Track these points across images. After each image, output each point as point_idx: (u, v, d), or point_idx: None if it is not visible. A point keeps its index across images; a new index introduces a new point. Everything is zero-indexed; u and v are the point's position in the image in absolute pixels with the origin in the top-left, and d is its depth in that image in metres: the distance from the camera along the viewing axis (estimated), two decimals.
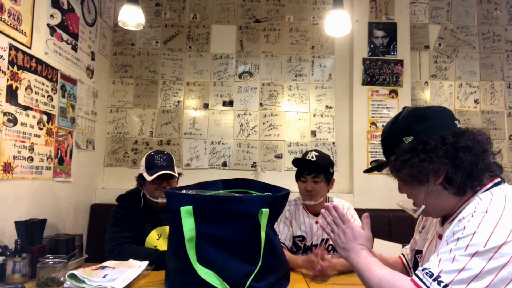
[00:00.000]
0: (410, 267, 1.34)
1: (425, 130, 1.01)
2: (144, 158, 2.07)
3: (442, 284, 0.82)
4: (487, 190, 0.98)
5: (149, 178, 1.98)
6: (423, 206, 1.05)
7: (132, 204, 2.07)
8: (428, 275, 0.85)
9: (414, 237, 1.33)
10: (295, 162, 2.09)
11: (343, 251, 1.10)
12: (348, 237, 1.10)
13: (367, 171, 1.26)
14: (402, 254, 1.41)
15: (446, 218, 1.09)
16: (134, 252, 1.89)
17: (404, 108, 1.15)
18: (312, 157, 2.02)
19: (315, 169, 2.00)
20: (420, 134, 1.01)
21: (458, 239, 0.86)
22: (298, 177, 2.07)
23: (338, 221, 1.14)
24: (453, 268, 0.83)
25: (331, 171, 2.06)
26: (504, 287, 0.80)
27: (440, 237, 1.09)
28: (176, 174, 2.06)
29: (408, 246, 1.39)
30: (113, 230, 2.00)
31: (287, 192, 1.37)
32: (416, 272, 0.89)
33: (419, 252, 1.21)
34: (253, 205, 1.24)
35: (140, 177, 2.08)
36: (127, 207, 2.06)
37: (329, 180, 2.05)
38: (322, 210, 1.17)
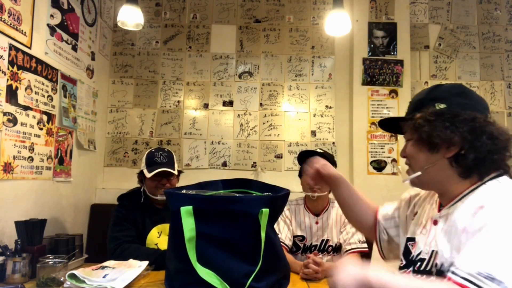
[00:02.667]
0: (378, 230, 1.30)
1: (461, 104, 1.01)
2: (145, 155, 2.09)
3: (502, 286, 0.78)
4: (491, 179, 0.98)
5: (148, 175, 1.99)
6: (419, 173, 1.04)
7: (133, 202, 2.08)
8: (483, 276, 0.79)
9: (397, 207, 1.28)
10: (302, 154, 2.10)
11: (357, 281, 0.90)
12: (344, 281, 0.90)
13: (381, 122, 1.20)
14: (378, 211, 1.34)
15: (442, 204, 1.07)
16: (136, 252, 1.89)
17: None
18: (319, 151, 2.05)
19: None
20: (455, 105, 1.01)
21: (492, 227, 0.85)
22: (301, 173, 2.08)
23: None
24: (506, 262, 0.79)
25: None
26: None
27: (435, 222, 1.06)
28: (175, 172, 2.05)
29: (386, 209, 1.32)
30: (115, 229, 2.01)
31: (287, 192, 1.37)
32: (460, 274, 0.82)
33: (411, 239, 1.16)
34: (253, 205, 1.24)
35: (141, 174, 2.10)
36: (128, 205, 2.07)
37: None
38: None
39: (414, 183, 1.09)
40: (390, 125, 1.20)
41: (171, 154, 2.11)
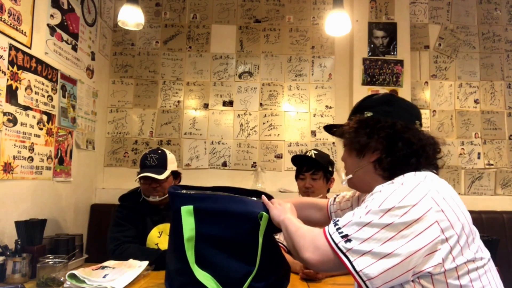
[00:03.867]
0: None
1: (385, 112, 1.09)
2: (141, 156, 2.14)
3: (336, 227, 0.93)
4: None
5: (135, 178, 2.07)
6: (351, 175, 1.13)
7: (134, 202, 2.10)
8: (333, 221, 0.97)
9: (351, 205, 1.34)
10: (294, 159, 2.12)
11: (276, 218, 1.19)
12: (282, 207, 1.21)
13: (326, 127, 1.32)
14: (329, 205, 1.42)
15: None
16: (135, 252, 1.90)
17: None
18: (311, 155, 2.05)
19: (314, 166, 2.03)
20: (379, 113, 1.09)
21: (363, 202, 0.97)
22: (297, 175, 2.10)
23: (277, 200, 1.27)
24: (349, 218, 0.93)
25: (330, 169, 2.08)
26: (383, 243, 0.87)
27: None
28: (160, 177, 1.99)
29: (338, 199, 1.40)
30: (115, 229, 2.01)
31: None
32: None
33: None
34: (253, 206, 1.24)
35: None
36: (129, 206, 2.08)
37: (328, 178, 2.07)
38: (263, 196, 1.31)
39: (349, 185, 1.18)
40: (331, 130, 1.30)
41: (163, 157, 2.07)
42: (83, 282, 1.46)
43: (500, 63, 3.16)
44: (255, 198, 1.31)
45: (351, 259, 0.88)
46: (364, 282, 0.87)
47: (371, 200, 0.94)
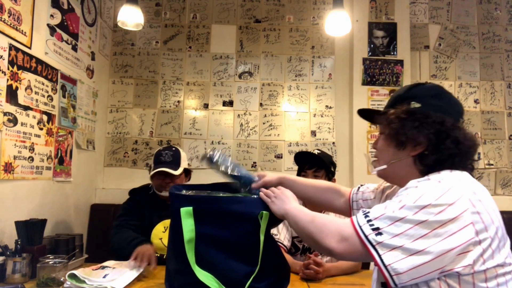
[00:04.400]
0: (353, 208, 1.35)
1: (434, 106, 1.04)
2: (154, 153, 2.20)
3: (367, 218, 0.92)
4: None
5: (150, 174, 2.09)
6: (385, 166, 1.10)
7: (143, 197, 2.15)
8: (362, 211, 0.95)
9: (374, 197, 1.33)
10: (298, 155, 2.12)
11: (281, 210, 1.17)
12: (283, 197, 1.20)
13: (360, 111, 1.27)
14: (353, 194, 1.39)
15: None
16: (125, 235, 1.95)
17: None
18: (315, 152, 2.07)
19: (317, 163, 2.03)
20: (428, 106, 1.04)
21: (397, 196, 0.95)
22: (299, 173, 2.10)
23: (274, 189, 1.25)
24: (382, 210, 0.92)
25: (332, 169, 2.09)
26: (415, 240, 0.86)
27: None
28: (176, 172, 2.07)
29: (363, 189, 1.37)
30: (120, 218, 2.08)
31: None
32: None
33: None
34: (253, 206, 1.24)
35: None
36: (137, 199, 2.15)
37: (329, 178, 2.07)
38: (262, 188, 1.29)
39: (380, 175, 1.15)
40: (368, 115, 1.26)
41: (177, 153, 2.16)
42: (83, 282, 1.46)
43: (500, 63, 3.15)
44: (255, 196, 1.31)
45: (380, 252, 0.88)
46: (391, 276, 0.86)
47: (406, 195, 0.92)
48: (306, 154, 2.14)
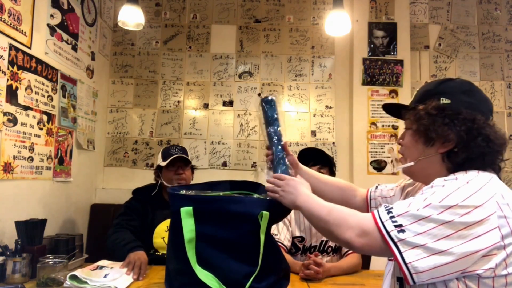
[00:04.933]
0: (371, 206, 1.33)
1: (465, 102, 1.02)
2: (160, 151, 2.25)
3: (390, 215, 0.91)
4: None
5: (164, 163, 2.12)
6: (412, 163, 1.07)
7: (146, 196, 2.17)
8: (385, 207, 0.94)
9: (393, 194, 1.31)
10: (303, 151, 2.12)
11: (292, 203, 1.14)
12: (291, 189, 1.15)
13: (386, 105, 1.21)
14: (370, 192, 1.37)
15: None
16: (121, 236, 1.92)
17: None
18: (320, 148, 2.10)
19: (322, 160, 2.04)
20: (459, 103, 1.01)
21: (422, 193, 0.93)
22: None
23: (277, 181, 1.19)
24: (406, 208, 0.90)
25: (334, 169, 2.10)
26: (438, 240, 0.85)
27: None
28: (190, 159, 2.19)
29: (381, 187, 1.35)
30: (121, 218, 2.08)
31: None
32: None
33: None
34: (253, 206, 1.23)
35: (158, 168, 2.21)
36: (140, 199, 2.16)
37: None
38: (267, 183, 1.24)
39: (406, 172, 1.12)
40: (393, 110, 1.21)
41: (185, 148, 2.30)
42: (85, 283, 1.46)
43: (500, 63, 3.16)
44: (255, 195, 1.31)
45: (402, 249, 0.87)
46: (411, 274, 0.86)
47: (432, 193, 0.90)
48: (312, 150, 2.15)
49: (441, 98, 1.03)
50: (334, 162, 2.18)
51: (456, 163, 0.99)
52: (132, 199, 2.18)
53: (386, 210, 0.93)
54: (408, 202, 0.92)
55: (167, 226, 2.05)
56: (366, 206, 1.34)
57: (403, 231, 0.87)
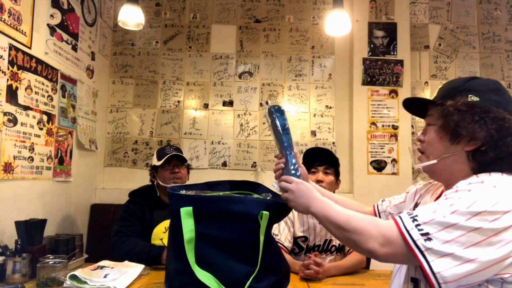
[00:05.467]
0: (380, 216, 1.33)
1: (494, 101, 1.00)
2: (155, 151, 2.25)
3: (415, 223, 0.87)
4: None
5: (159, 162, 2.12)
6: (435, 161, 1.03)
7: (143, 198, 2.15)
8: (408, 214, 0.91)
9: (403, 200, 1.30)
10: (309, 152, 2.12)
11: (305, 209, 1.10)
12: (301, 193, 1.11)
13: (407, 100, 1.18)
14: (377, 205, 1.38)
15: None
16: (134, 244, 1.95)
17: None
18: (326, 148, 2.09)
19: (328, 160, 2.03)
20: (487, 101, 0.99)
21: (446, 198, 0.90)
22: (309, 169, 2.07)
23: (285, 184, 1.16)
24: (431, 215, 0.87)
25: (339, 170, 2.10)
26: (466, 247, 0.83)
27: None
28: (186, 158, 2.20)
29: (389, 199, 1.35)
30: (120, 223, 2.07)
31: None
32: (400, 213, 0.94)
33: None
34: (253, 206, 1.23)
35: (153, 169, 2.20)
36: (137, 201, 2.14)
37: (336, 179, 2.08)
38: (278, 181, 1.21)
39: (426, 170, 1.08)
40: (413, 107, 1.18)
41: (179, 148, 2.32)
42: (85, 283, 1.46)
43: (500, 63, 3.16)
44: (255, 195, 1.30)
45: (429, 259, 0.84)
46: (439, 284, 0.83)
47: (458, 198, 0.87)
48: (318, 150, 2.15)
49: (469, 95, 1.00)
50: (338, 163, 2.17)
51: (483, 162, 0.97)
52: (129, 202, 2.15)
53: (410, 217, 0.89)
54: (432, 208, 0.89)
55: (165, 227, 2.05)
56: None
57: (430, 239, 0.85)
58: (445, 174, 1.04)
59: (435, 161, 1.03)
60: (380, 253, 0.91)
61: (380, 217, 1.32)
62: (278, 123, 1.27)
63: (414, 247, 0.85)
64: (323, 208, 1.05)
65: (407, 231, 0.87)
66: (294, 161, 1.24)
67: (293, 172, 1.22)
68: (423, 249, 0.85)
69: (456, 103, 1.00)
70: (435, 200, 1.09)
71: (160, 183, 2.14)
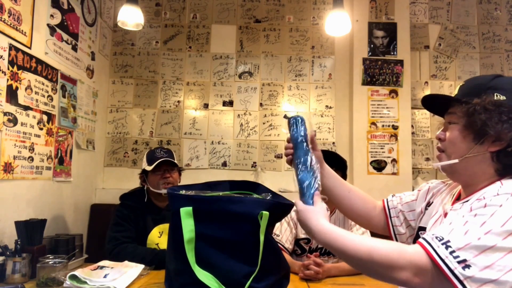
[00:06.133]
0: (391, 216, 1.28)
1: None
2: (145, 154, 2.18)
3: (449, 249, 0.81)
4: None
5: (149, 168, 2.06)
6: (456, 160, 0.99)
7: (135, 202, 2.11)
8: (438, 239, 0.84)
9: (415, 198, 1.26)
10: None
11: (312, 238, 1.01)
12: (306, 216, 1.01)
13: (428, 97, 1.11)
14: (387, 200, 1.32)
15: (458, 198, 1.05)
16: (132, 251, 1.91)
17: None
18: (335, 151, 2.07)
19: (335, 163, 2.02)
20: None
21: (475, 215, 0.84)
22: None
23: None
24: (464, 238, 0.81)
25: (346, 173, 2.10)
26: (508, 271, 0.78)
27: (445, 215, 1.03)
28: (176, 162, 2.14)
29: (399, 195, 1.31)
30: (115, 229, 2.02)
31: (290, 204, 1.34)
32: (424, 236, 0.87)
33: (422, 228, 1.16)
34: (253, 206, 1.23)
35: (143, 173, 2.15)
36: (130, 205, 2.09)
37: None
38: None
39: (446, 170, 1.04)
40: (433, 104, 1.12)
41: (170, 150, 2.22)
42: (85, 283, 1.46)
43: (500, 63, 3.16)
44: (255, 195, 1.30)
45: None
46: None
47: (490, 216, 0.82)
48: (325, 153, 2.12)
49: (496, 94, 0.96)
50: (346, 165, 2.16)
51: (508, 164, 0.94)
52: (122, 206, 2.10)
53: (442, 244, 0.82)
54: (463, 229, 0.82)
55: (159, 232, 2.03)
56: (385, 216, 1.29)
57: (468, 266, 0.78)
58: (467, 175, 1.00)
59: (456, 160, 0.99)
60: (415, 283, 0.84)
61: (390, 213, 1.28)
62: (290, 135, 1.21)
63: (452, 277, 0.79)
64: (336, 240, 0.94)
65: (442, 260, 0.81)
66: (302, 180, 1.13)
67: (309, 188, 1.11)
68: (462, 278, 0.79)
69: (483, 101, 0.95)
70: (452, 204, 1.05)
71: (151, 188, 2.08)
